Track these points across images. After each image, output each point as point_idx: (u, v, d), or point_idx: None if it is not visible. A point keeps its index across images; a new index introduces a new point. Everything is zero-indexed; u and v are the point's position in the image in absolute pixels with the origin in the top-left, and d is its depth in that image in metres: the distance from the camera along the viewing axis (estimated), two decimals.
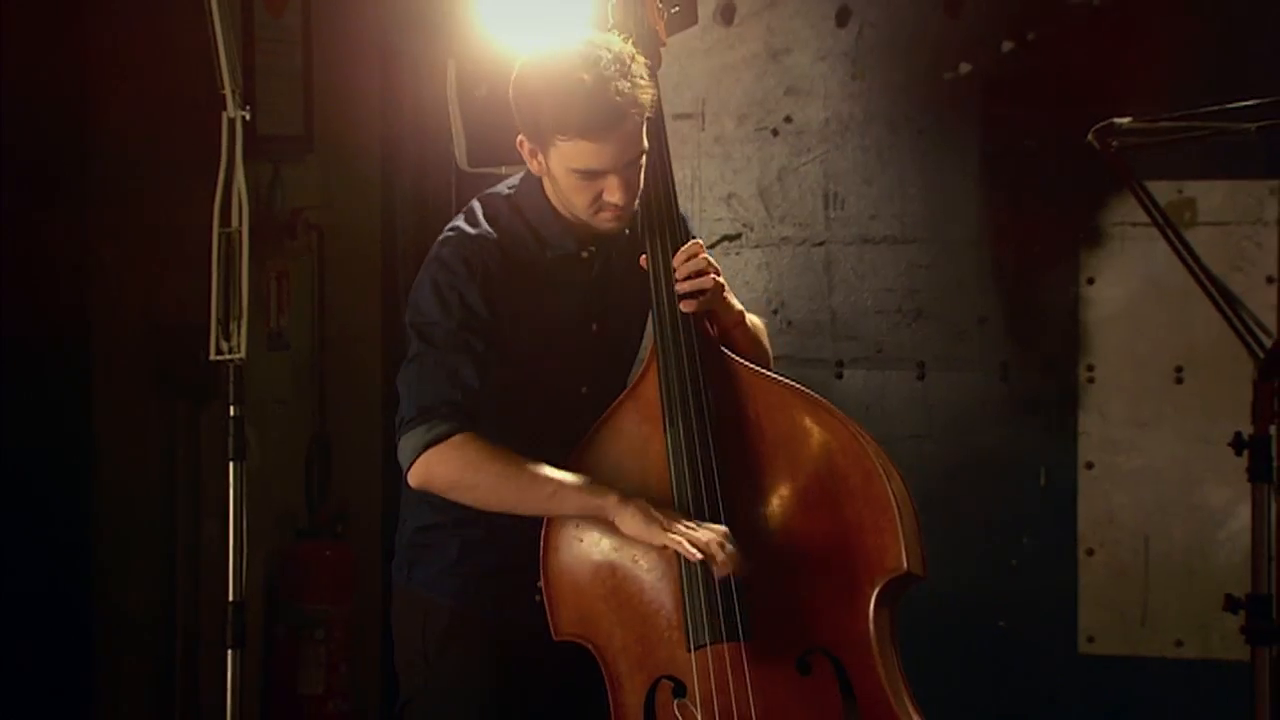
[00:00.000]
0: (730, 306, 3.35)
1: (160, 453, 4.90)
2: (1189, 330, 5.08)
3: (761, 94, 5.48)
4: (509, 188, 3.40)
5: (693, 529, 3.14)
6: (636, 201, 3.29)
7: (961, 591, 5.26)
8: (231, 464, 4.18)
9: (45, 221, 4.60)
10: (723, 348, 3.32)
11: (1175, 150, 4.57)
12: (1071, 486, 5.30)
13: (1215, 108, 3.67)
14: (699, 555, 3.11)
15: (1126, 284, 5.23)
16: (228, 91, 4.15)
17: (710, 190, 5.51)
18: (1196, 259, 3.69)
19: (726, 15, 5.45)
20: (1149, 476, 5.25)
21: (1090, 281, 5.27)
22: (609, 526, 3.21)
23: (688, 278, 3.28)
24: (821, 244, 5.45)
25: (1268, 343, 3.73)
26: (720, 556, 3.12)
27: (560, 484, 3.21)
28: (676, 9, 3.56)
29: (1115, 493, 5.27)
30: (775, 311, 5.43)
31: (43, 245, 4.59)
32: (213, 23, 4.10)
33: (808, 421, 3.25)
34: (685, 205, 5.45)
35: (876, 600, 3.16)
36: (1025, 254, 5.34)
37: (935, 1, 5.30)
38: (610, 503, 3.18)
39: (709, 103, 5.50)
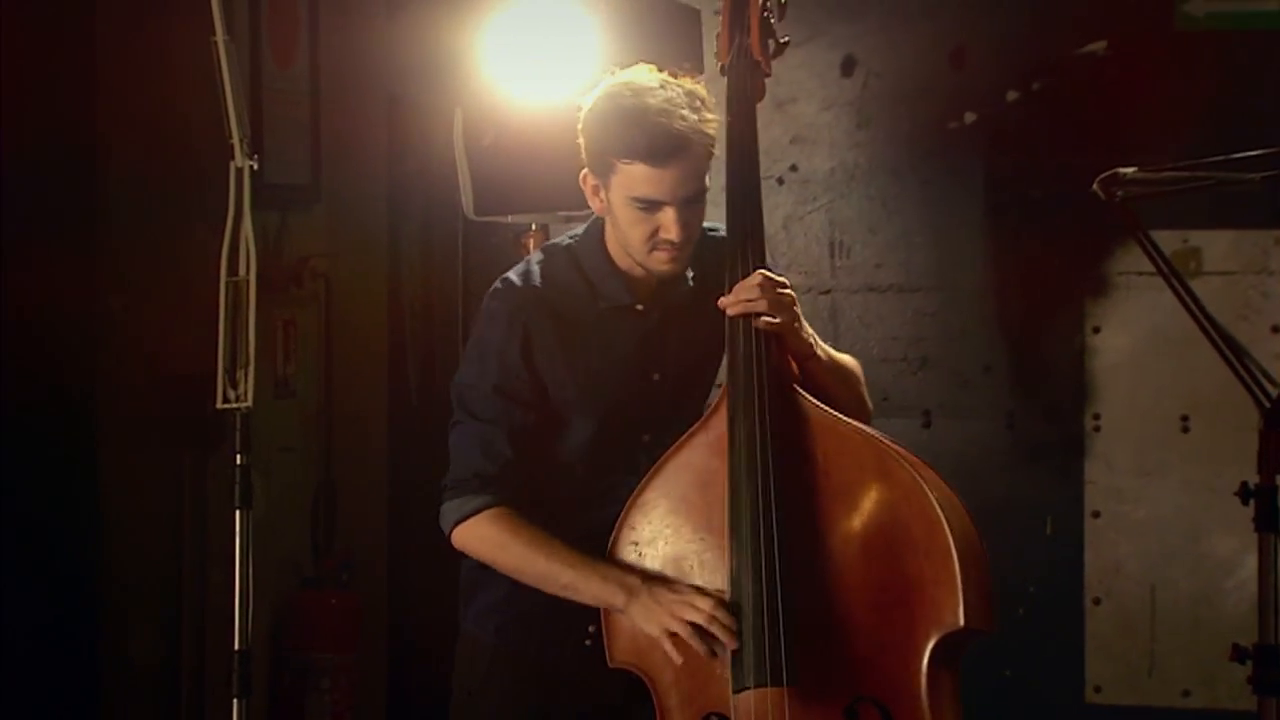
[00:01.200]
0: (801, 336, 3.32)
1: (166, 501, 4.89)
2: (1195, 379, 5.08)
3: (767, 143, 5.46)
4: (571, 237, 3.42)
5: (687, 605, 3.15)
6: (691, 245, 3.29)
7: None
8: (238, 512, 4.18)
9: (53, 271, 4.61)
10: (796, 386, 3.30)
11: (1181, 200, 4.55)
12: (1078, 535, 5.29)
13: (1220, 158, 3.68)
14: (698, 646, 3.15)
15: (1132, 333, 5.24)
16: (235, 141, 4.16)
17: None
18: (1202, 308, 3.69)
19: None
20: (1155, 525, 5.24)
21: (1096, 330, 5.27)
22: (668, 558, 3.24)
23: (755, 299, 3.26)
24: (827, 292, 5.46)
25: (1274, 392, 3.72)
26: (718, 630, 3.14)
27: (576, 576, 3.24)
28: (787, 39, 3.58)
29: (1122, 542, 5.27)
30: None
31: (50, 295, 4.60)
32: (221, 73, 4.11)
33: (874, 466, 3.23)
34: None
35: (932, 654, 3.14)
36: (1031, 303, 5.35)
37: (940, 52, 5.33)
38: (619, 600, 3.21)
39: (715, 151, 5.50)
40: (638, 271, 3.33)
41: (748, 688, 3.15)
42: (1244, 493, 3.75)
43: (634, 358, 3.36)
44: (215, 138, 4.20)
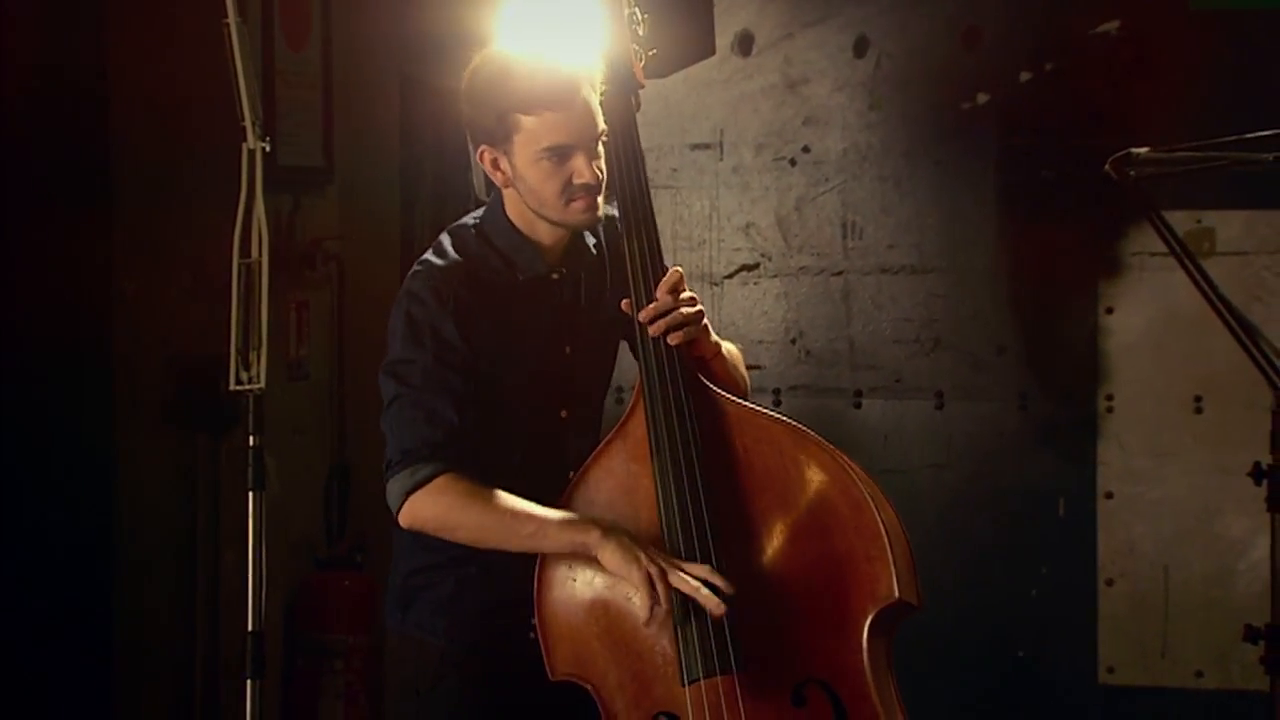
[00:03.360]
0: (710, 337, 3.35)
1: (180, 483, 4.91)
2: (1208, 360, 5.08)
3: (779, 124, 5.49)
4: (474, 219, 3.42)
5: (676, 568, 3.15)
6: (602, 190, 3.29)
7: (980, 621, 5.26)
8: (251, 494, 4.18)
9: (66, 253, 4.62)
10: (706, 381, 3.32)
11: (1193, 180, 4.57)
12: (1091, 516, 5.29)
13: (1233, 138, 3.68)
14: (662, 602, 3.12)
15: (1145, 314, 5.23)
16: (248, 123, 4.16)
17: (728, 220, 5.52)
18: (1215, 289, 3.69)
19: (744, 46, 5.46)
20: (1168, 506, 5.24)
21: (1109, 311, 5.27)
22: (601, 564, 3.22)
23: (670, 311, 3.28)
24: (840, 274, 5.45)
25: None
26: (703, 599, 3.13)
27: (543, 521, 3.21)
28: (654, 52, 3.58)
29: (1135, 523, 5.27)
30: (793, 341, 5.43)
31: (63, 277, 4.61)
32: (233, 55, 4.11)
33: (795, 453, 3.25)
34: (703, 235, 5.54)
35: (870, 629, 3.15)
36: (1044, 284, 5.35)
37: (953, 32, 5.32)
38: (593, 538, 3.18)
39: (727, 133, 5.51)
40: (546, 239, 3.33)
41: (698, 679, 3.16)
42: (1257, 473, 3.76)
43: (550, 330, 3.37)
44: (227, 120, 4.21)
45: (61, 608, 4.61)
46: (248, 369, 4.19)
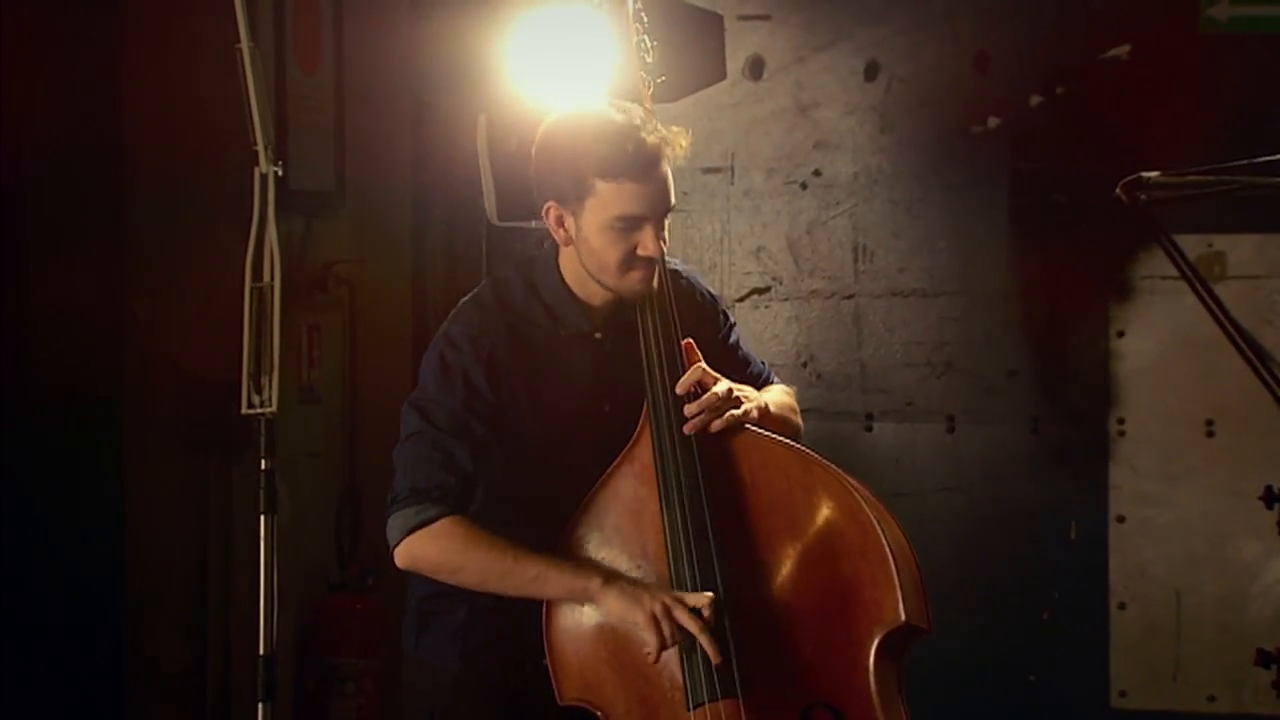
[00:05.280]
0: (749, 405, 3.32)
1: (192, 506, 4.91)
2: (1219, 383, 5.08)
3: (790, 148, 5.50)
4: (523, 267, 3.41)
5: (680, 602, 3.15)
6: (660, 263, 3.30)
7: (992, 645, 5.25)
8: (263, 517, 4.19)
9: (78, 277, 4.63)
10: None
11: (1204, 204, 4.54)
12: (1102, 540, 5.29)
13: (1244, 161, 3.68)
14: (669, 642, 3.12)
15: (1156, 337, 5.23)
16: (260, 147, 4.17)
17: (740, 243, 5.53)
18: (1226, 313, 3.68)
19: (755, 70, 5.48)
20: (1180, 530, 5.24)
21: (1120, 334, 5.27)
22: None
23: (691, 400, 3.28)
24: (851, 297, 5.46)
25: None
26: (705, 644, 3.12)
27: (544, 568, 3.21)
28: (663, 79, 3.59)
29: (1146, 546, 5.26)
30: (805, 364, 5.44)
31: (76, 300, 4.62)
32: (246, 80, 4.13)
33: (801, 477, 3.25)
34: (715, 258, 5.55)
35: (877, 653, 3.15)
36: (1055, 307, 5.35)
37: (964, 56, 5.33)
38: (594, 586, 3.19)
39: (738, 156, 5.52)
40: (595, 300, 3.33)
41: (703, 703, 3.15)
42: (1269, 497, 3.75)
43: (589, 387, 3.37)
44: (240, 144, 4.22)
45: (74, 630, 4.61)
46: (259, 393, 4.20)
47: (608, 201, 3.20)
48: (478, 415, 3.25)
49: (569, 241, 3.28)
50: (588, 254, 3.27)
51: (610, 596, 3.18)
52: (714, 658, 3.12)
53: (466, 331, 3.30)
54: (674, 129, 3.25)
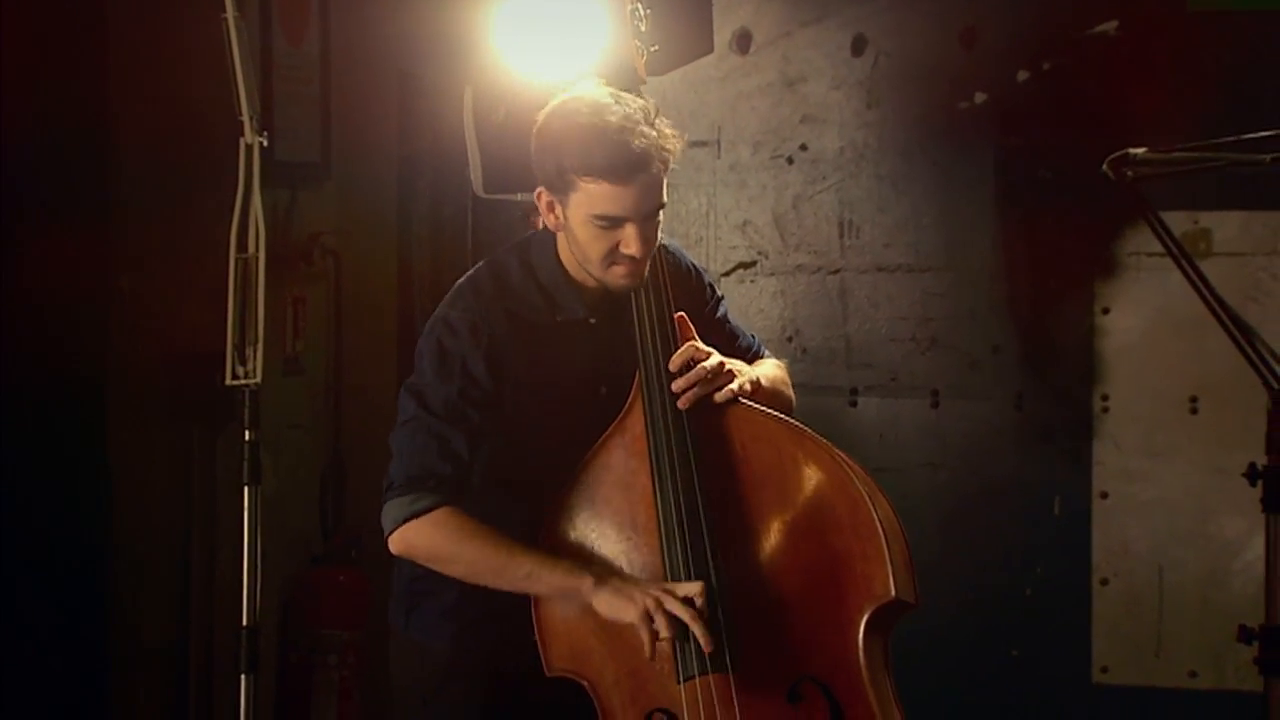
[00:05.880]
0: (742, 378, 3.33)
1: (176, 478, 4.90)
2: (1204, 360, 5.09)
3: (777, 122, 5.49)
4: (521, 249, 3.41)
5: (670, 594, 3.15)
6: (649, 259, 3.29)
7: (974, 620, 5.26)
8: (246, 489, 4.19)
9: (63, 248, 4.61)
10: None
11: (1191, 180, 4.57)
12: (1085, 516, 5.30)
13: (1231, 138, 3.68)
14: (663, 633, 3.13)
15: (1141, 314, 5.24)
16: (245, 118, 4.17)
17: (725, 218, 5.52)
18: (1211, 289, 3.69)
19: (742, 44, 5.47)
20: (1163, 506, 5.25)
21: (1105, 311, 5.27)
22: (597, 561, 3.24)
23: (683, 376, 3.28)
24: (836, 272, 5.46)
25: None
26: (698, 633, 3.13)
27: (535, 566, 3.21)
28: (656, 48, 3.58)
29: (1129, 523, 5.27)
30: (790, 339, 5.44)
31: (61, 272, 4.60)
32: (231, 51, 4.12)
33: (793, 451, 3.25)
34: (700, 232, 5.54)
35: (866, 628, 3.15)
36: (1040, 283, 5.35)
37: (951, 31, 5.32)
38: (585, 585, 3.19)
39: (725, 130, 5.52)
40: (591, 283, 3.33)
41: (694, 676, 3.16)
42: (1252, 474, 3.76)
43: (585, 371, 3.37)
44: (225, 115, 4.21)
45: (57, 601, 4.60)
46: (244, 364, 4.20)
47: (587, 199, 3.20)
48: (474, 403, 3.25)
49: (559, 228, 3.29)
50: (574, 244, 3.28)
51: (602, 596, 3.18)
52: (706, 646, 3.12)
53: (466, 317, 3.29)
54: (668, 131, 3.21)
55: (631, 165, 3.16)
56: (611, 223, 3.20)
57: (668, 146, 3.20)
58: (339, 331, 5.46)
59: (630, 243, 3.20)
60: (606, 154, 3.15)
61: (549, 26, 3.87)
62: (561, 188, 3.22)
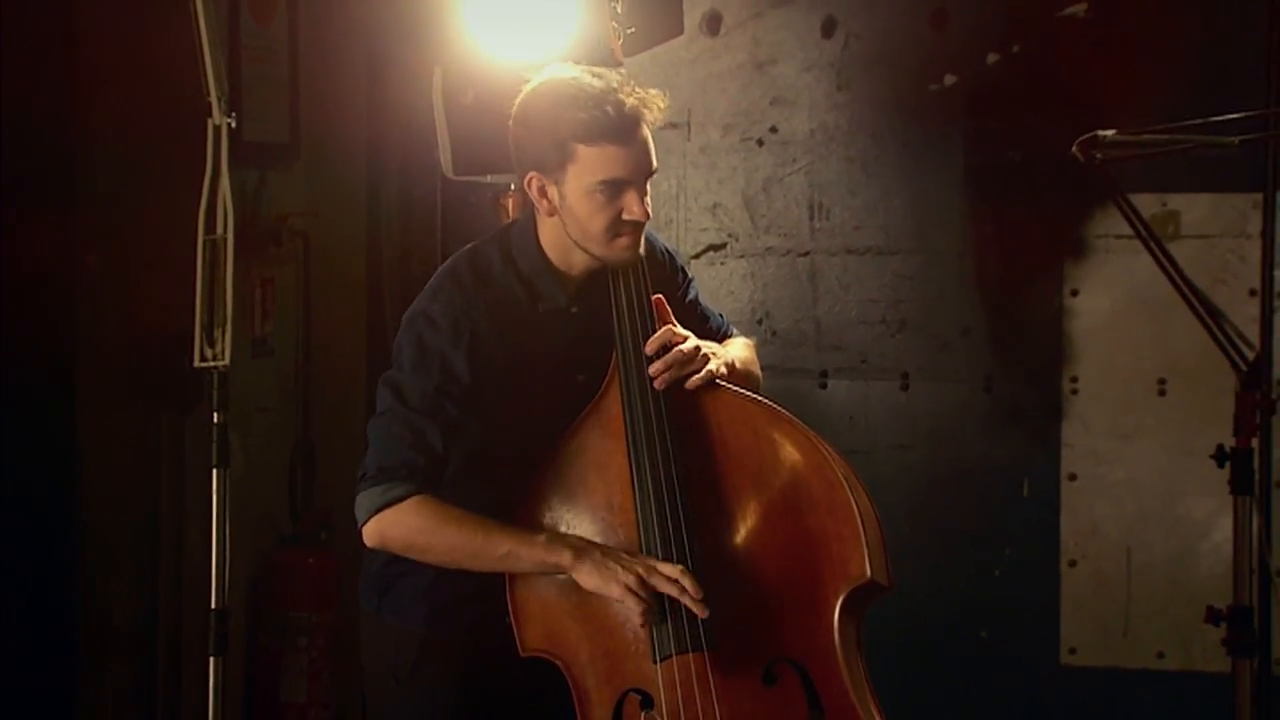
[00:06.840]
0: (717, 362, 3.34)
1: (144, 459, 4.89)
2: (1172, 342, 5.10)
3: (747, 104, 5.49)
4: (501, 239, 3.40)
5: (653, 569, 3.16)
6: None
7: (943, 602, 5.28)
8: (215, 471, 4.18)
9: (31, 229, 4.59)
10: None
11: (1159, 163, 4.58)
12: (1054, 498, 5.31)
13: (1199, 121, 3.69)
14: (643, 609, 3.14)
15: (1110, 296, 5.25)
16: (213, 99, 4.15)
17: (695, 200, 5.52)
18: (1180, 272, 3.70)
19: (712, 26, 5.46)
20: (1131, 488, 5.26)
21: (1074, 293, 5.28)
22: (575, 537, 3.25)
23: (660, 359, 3.30)
24: (806, 254, 5.46)
25: (1250, 355, 3.74)
26: (687, 603, 3.14)
27: (514, 545, 3.22)
28: (632, 30, 3.58)
29: (1098, 504, 5.29)
30: (760, 321, 5.44)
31: (28, 252, 4.58)
32: (199, 31, 4.10)
33: (769, 433, 3.26)
34: (670, 214, 5.54)
35: (841, 609, 3.17)
36: (1009, 265, 5.36)
37: (921, 13, 5.32)
38: (566, 559, 3.20)
39: (695, 112, 5.51)
40: (574, 270, 3.33)
41: (670, 655, 3.17)
42: (1219, 455, 3.78)
43: (564, 359, 3.37)
44: (193, 95, 4.19)
45: (25, 583, 4.59)
46: (212, 345, 4.19)
47: (590, 166, 3.19)
48: (451, 398, 3.24)
49: (553, 212, 3.27)
50: (572, 222, 3.26)
51: (583, 570, 3.19)
52: (700, 612, 3.13)
53: (447, 311, 3.28)
54: (651, 91, 3.23)
55: (630, 123, 3.18)
56: (614, 188, 3.20)
57: (659, 104, 3.23)
58: (308, 313, 5.45)
59: (633, 207, 3.21)
60: (605, 115, 3.17)
61: (519, 8, 3.86)
62: (558, 164, 3.21)
